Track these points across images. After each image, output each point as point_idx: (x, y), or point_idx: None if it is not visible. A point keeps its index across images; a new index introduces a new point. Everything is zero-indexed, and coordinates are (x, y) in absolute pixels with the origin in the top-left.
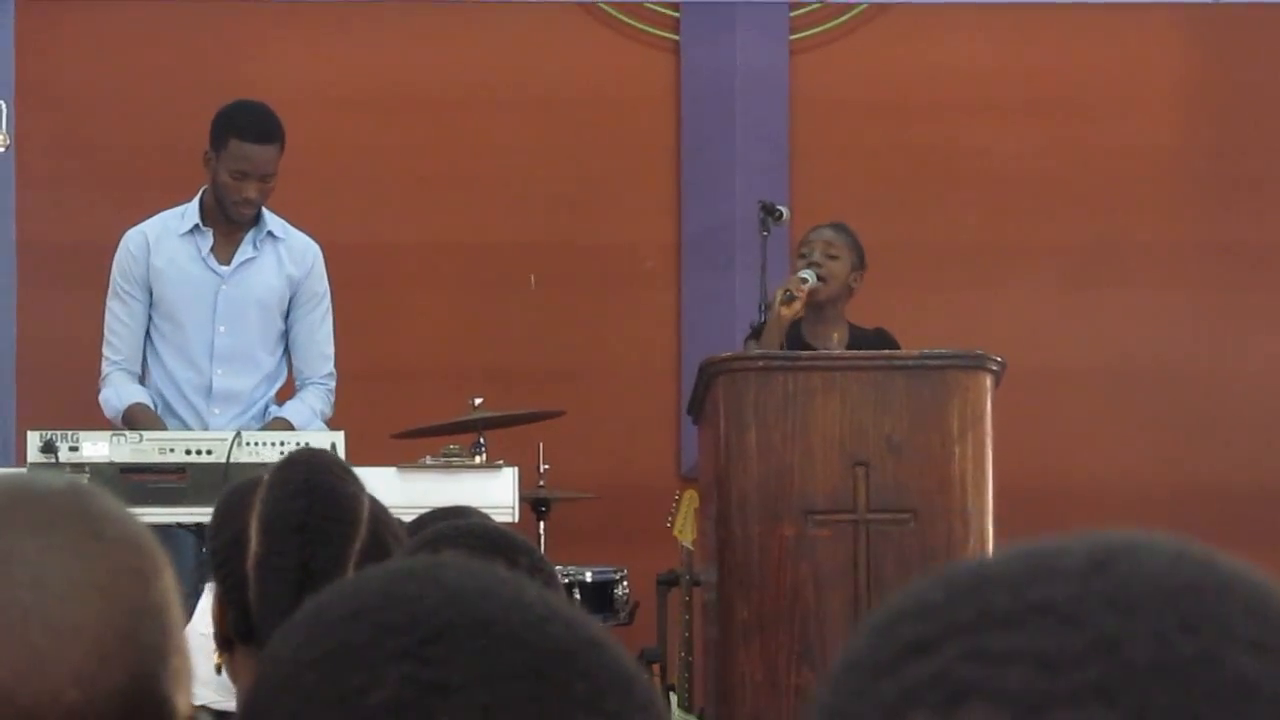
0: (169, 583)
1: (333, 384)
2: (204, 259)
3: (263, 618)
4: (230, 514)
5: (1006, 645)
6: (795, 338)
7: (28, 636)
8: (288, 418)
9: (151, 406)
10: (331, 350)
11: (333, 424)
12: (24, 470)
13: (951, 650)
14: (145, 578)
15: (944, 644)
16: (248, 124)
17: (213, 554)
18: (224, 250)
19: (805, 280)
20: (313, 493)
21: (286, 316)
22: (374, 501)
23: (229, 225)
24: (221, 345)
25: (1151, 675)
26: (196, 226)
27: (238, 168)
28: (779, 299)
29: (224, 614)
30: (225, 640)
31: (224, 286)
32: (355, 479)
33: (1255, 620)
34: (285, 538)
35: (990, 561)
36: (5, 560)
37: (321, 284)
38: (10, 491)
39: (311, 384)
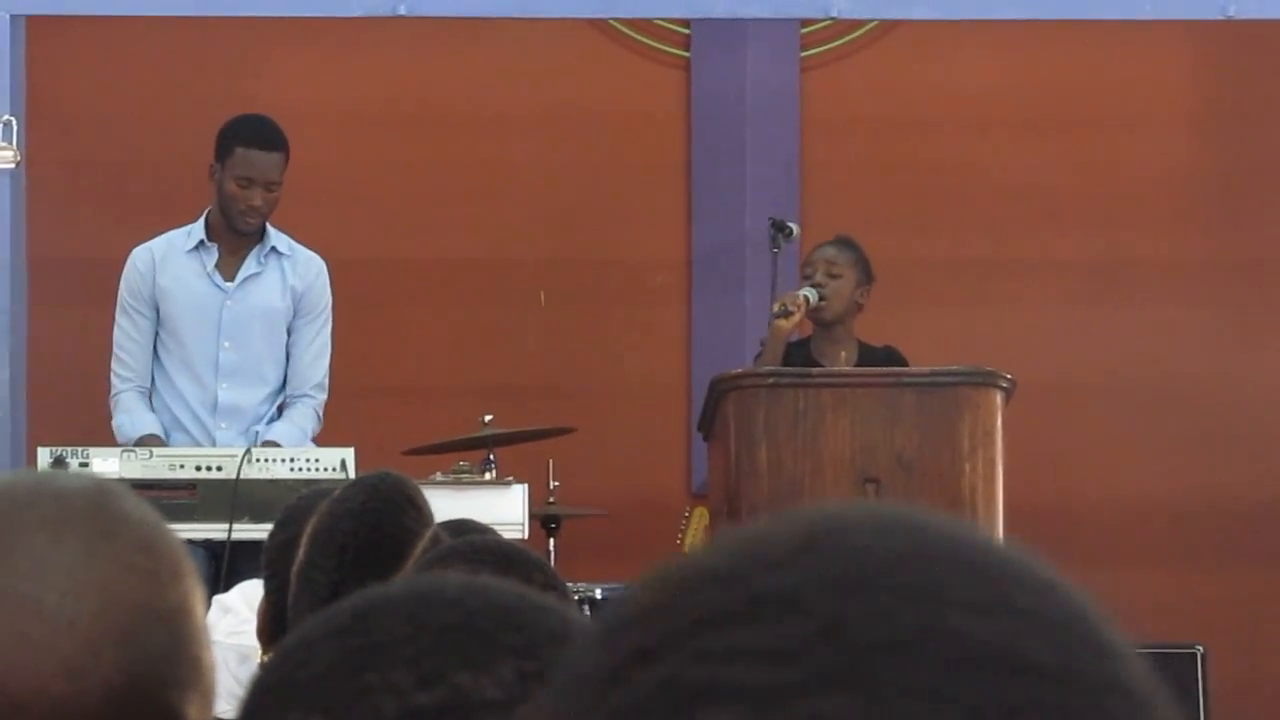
0: (188, 589)
1: (321, 398)
2: (208, 275)
3: (292, 626)
4: (291, 518)
5: (731, 642)
6: (804, 356)
7: (22, 628)
8: (276, 440)
9: (163, 437)
10: (324, 366)
11: (343, 440)
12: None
13: (677, 654)
14: (158, 580)
15: (669, 648)
16: (253, 132)
17: (266, 551)
18: (228, 266)
19: (807, 298)
20: (364, 517)
21: (289, 327)
22: (438, 537)
23: (234, 241)
24: (226, 361)
25: (878, 653)
26: (201, 243)
27: (243, 174)
28: (775, 310)
29: (268, 612)
30: (268, 638)
31: (228, 302)
32: (419, 513)
33: (972, 581)
34: (326, 555)
35: (700, 557)
36: (10, 551)
37: (323, 299)
38: (31, 486)
39: (300, 399)
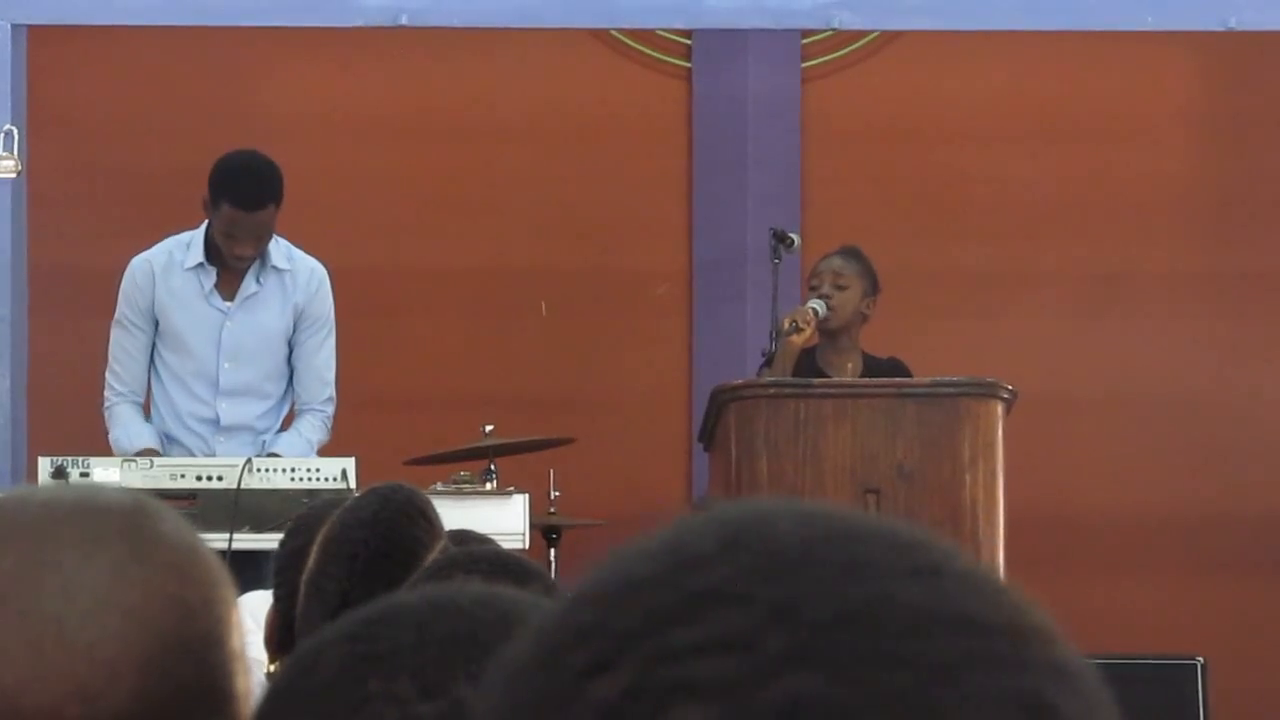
0: (220, 617)
1: (331, 410)
2: (206, 296)
3: (300, 634)
4: (301, 527)
5: (689, 639)
6: (810, 366)
7: (40, 646)
8: (280, 453)
9: (160, 450)
10: (331, 376)
11: (345, 450)
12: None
13: (634, 660)
14: (189, 608)
15: (623, 656)
16: (240, 191)
17: (275, 560)
18: (227, 286)
19: (815, 311)
20: (375, 527)
21: (291, 340)
22: (448, 548)
23: None
24: (227, 380)
25: (834, 628)
26: (201, 265)
27: (230, 230)
28: (785, 327)
29: (276, 621)
30: (275, 647)
31: (228, 323)
32: (429, 525)
33: (896, 552)
34: (337, 564)
35: (616, 569)
36: (41, 568)
37: (325, 308)
38: (72, 501)
39: (309, 411)
